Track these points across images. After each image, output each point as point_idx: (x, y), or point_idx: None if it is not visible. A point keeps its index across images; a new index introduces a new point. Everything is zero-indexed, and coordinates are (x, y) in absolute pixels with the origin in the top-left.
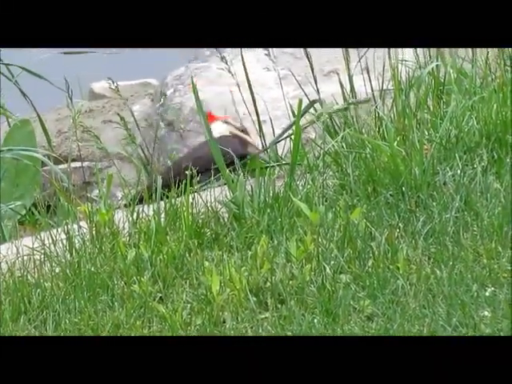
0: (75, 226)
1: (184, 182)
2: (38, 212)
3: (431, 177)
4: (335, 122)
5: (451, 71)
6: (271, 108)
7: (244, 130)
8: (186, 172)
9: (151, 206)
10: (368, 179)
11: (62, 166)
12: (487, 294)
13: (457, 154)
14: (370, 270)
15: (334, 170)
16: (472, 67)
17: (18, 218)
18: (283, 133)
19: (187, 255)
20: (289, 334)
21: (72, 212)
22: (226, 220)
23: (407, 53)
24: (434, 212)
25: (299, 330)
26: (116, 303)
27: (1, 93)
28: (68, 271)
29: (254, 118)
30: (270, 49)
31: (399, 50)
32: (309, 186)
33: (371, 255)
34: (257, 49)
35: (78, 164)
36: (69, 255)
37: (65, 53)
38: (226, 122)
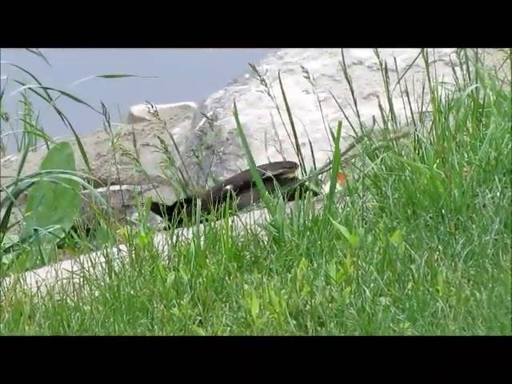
0: (114, 250)
1: (223, 205)
2: (78, 235)
3: (471, 199)
4: (375, 144)
5: (490, 93)
6: (310, 131)
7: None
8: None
9: (191, 229)
10: (407, 202)
11: (101, 190)
12: None
13: (496, 177)
14: (409, 292)
15: (374, 193)
16: None
17: (56, 242)
18: (326, 165)
19: (227, 278)
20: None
21: (111, 235)
22: (265, 243)
23: (446, 75)
24: (474, 234)
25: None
26: (156, 326)
27: (39, 116)
28: (107, 295)
29: (293, 140)
30: (310, 72)
31: (438, 72)
32: (348, 209)
33: (411, 278)
34: (296, 71)
35: (117, 187)
36: (108, 278)
37: (103, 76)
38: None
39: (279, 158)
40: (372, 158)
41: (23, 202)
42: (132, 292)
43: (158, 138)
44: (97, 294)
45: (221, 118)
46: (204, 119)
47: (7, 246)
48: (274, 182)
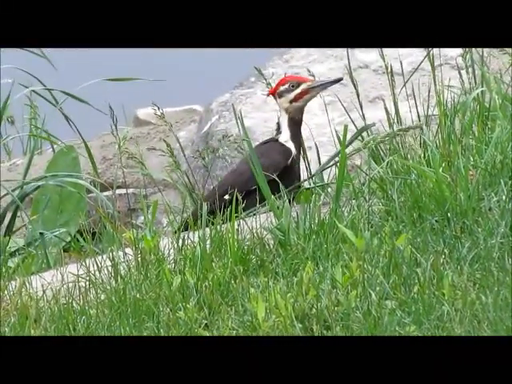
0: (120, 253)
1: (229, 208)
2: (83, 239)
3: (476, 203)
4: (380, 148)
5: (496, 97)
6: (316, 134)
7: (295, 85)
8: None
9: (196, 232)
10: (413, 205)
11: (107, 193)
12: None
13: (502, 180)
14: (415, 296)
15: (380, 197)
16: None
17: (62, 245)
18: (329, 161)
19: (233, 282)
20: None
21: (117, 239)
22: (271, 246)
23: (452, 79)
24: (480, 238)
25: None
26: (161, 330)
27: (45, 119)
28: (113, 298)
29: None
30: (316, 75)
31: (444, 75)
32: (354, 213)
33: (417, 281)
34: (302, 75)
35: (123, 191)
36: (114, 282)
37: (109, 79)
38: (280, 95)
39: None
40: (378, 162)
41: (28, 206)
42: (138, 295)
43: (164, 141)
44: (103, 297)
45: (227, 122)
46: (210, 123)
47: (13, 249)
48: (280, 186)
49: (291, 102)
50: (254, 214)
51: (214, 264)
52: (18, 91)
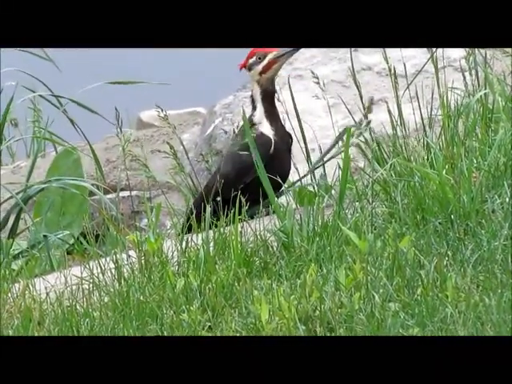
0: (124, 256)
1: (233, 210)
2: (87, 241)
3: (480, 205)
4: (384, 150)
5: (500, 99)
6: (320, 136)
7: (263, 56)
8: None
9: (200, 234)
10: (417, 207)
11: (110, 196)
12: None
13: (505, 182)
14: (418, 298)
15: (383, 199)
16: None
17: (66, 248)
18: (324, 155)
19: (236, 284)
20: None
21: (121, 241)
22: (274, 249)
23: (456, 81)
24: (483, 240)
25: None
26: (165, 332)
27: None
28: (117, 300)
29: (303, 145)
30: (320, 77)
31: (448, 77)
32: (357, 215)
33: (420, 283)
34: (306, 77)
35: (126, 193)
36: (117, 284)
37: (113, 82)
38: (249, 68)
39: None
40: (381, 164)
41: (31, 208)
42: (141, 298)
43: (168, 143)
44: (106, 299)
45: (230, 124)
46: (213, 125)
47: (16, 252)
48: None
49: (260, 73)
50: (256, 215)
51: (217, 266)
52: (21, 93)
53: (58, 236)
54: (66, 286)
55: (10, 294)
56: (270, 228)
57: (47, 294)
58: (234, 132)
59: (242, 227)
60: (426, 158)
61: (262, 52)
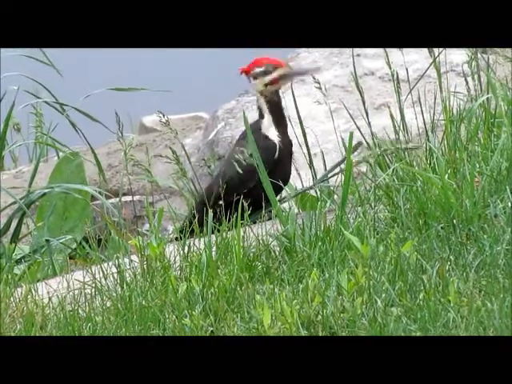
0: (126, 260)
1: (235, 215)
2: (89, 246)
3: (482, 209)
4: (386, 155)
5: (502, 104)
6: (322, 141)
7: (271, 69)
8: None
9: (202, 239)
10: (419, 212)
11: (112, 200)
12: None
13: (507, 187)
14: (421, 302)
15: (385, 203)
16: None
17: (68, 252)
18: (331, 169)
19: (238, 289)
20: None
21: (123, 246)
22: (277, 253)
23: (458, 86)
24: (485, 245)
25: None
26: None
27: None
28: (119, 305)
29: (305, 150)
30: (322, 82)
31: (450, 82)
32: (360, 219)
33: (422, 288)
34: (308, 82)
35: (128, 198)
36: (120, 289)
37: (114, 89)
38: (255, 77)
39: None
40: (383, 169)
41: (33, 213)
42: (144, 302)
43: (170, 148)
44: (108, 304)
45: (232, 129)
46: (216, 130)
47: (19, 256)
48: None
49: (266, 85)
50: (259, 219)
51: (219, 271)
52: (23, 97)
53: (61, 241)
54: (68, 291)
55: (12, 299)
56: (273, 233)
57: (49, 298)
58: (239, 137)
59: (244, 232)
60: (428, 162)
61: (271, 64)
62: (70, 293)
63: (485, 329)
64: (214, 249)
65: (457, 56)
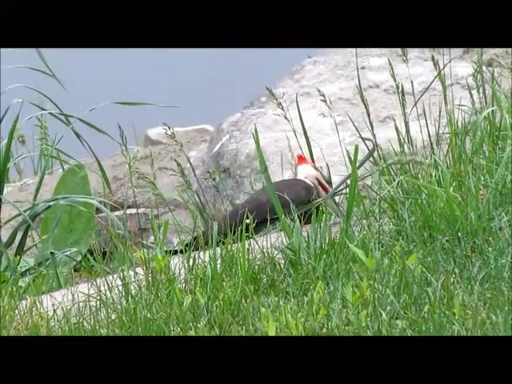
0: (131, 273)
1: (240, 228)
2: (94, 258)
3: (487, 222)
4: (391, 167)
5: (507, 116)
6: (327, 154)
7: (330, 182)
8: (244, 220)
9: (207, 252)
10: (424, 225)
11: (117, 213)
12: None
13: None
14: (425, 315)
15: (390, 216)
16: None
17: (73, 265)
18: (341, 183)
19: (243, 301)
20: None
21: (128, 258)
22: (282, 266)
23: (463, 99)
24: (490, 257)
25: None
26: None
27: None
28: (124, 318)
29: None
30: (327, 95)
31: (455, 95)
32: (365, 232)
33: (427, 301)
34: (313, 95)
35: (133, 210)
36: (125, 301)
37: (119, 103)
38: (316, 168)
39: None
40: (388, 182)
41: (38, 225)
42: (149, 315)
43: (175, 161)
44: (113, 317)
45: (237, 142)
46: (221, 143)
47: (24, 269)
48: (291, 205)
49: (318, 181)
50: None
51: (224, 283)
52: (27, 109)
53: (66, 253)
54: (73, 303)
55: (17, 311)
56: (278, 245)
57: (54, 311)
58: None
59: (249, 244)
60: (433, 175)
61: (329, 179)
62: (75, 305)
63: None
64: (219, 261)
65: (462, 69)
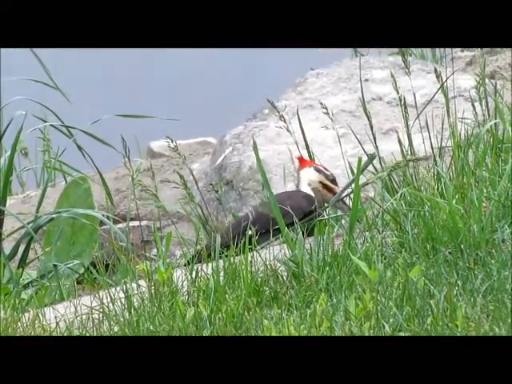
0: (134, 285)
1: (243, 240)
2: (97, 271)
3: (490, 234)
4: (394, 179)
5: (510, 129)
6: (330, 166)
7: (334, 180)
8: (247, 231)
9: (210, 264)
10: (427, 237)
11: (120, 225)
12: None
13: None
14: (428, 327)
15: (393, 228)
16: None
17: (76, 277)
18: (342, 191)
19: (246, 313)
20: None
21: (131, 271)
22: (284, 278)
23: (466, 111)
24: (493, 269)
25: None
26: None
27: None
28: (127, 330)
29: None
30: (329, 107)
31: (458, 107)
32: (368, 244)
33: (430, 313)
34: (315, 107)
35: (136, 223)
36: (127, 314)
37: (122, 115)
38: (318, 170)
39: None
40: (391, 194)
41: (41, 238)
42: (151, 327)
43: (178, 173)
44: (116, 329)
45: (240, 154)
46: (223, 155)
47: (26, 281)
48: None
49: (323, 185)
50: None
51: (227, 296)
52: (31, 121)
53: (68, 265)
54: (75, 316)
55: (19, 324)
56: (280, 257)
57: (57, 323)
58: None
59: (252, 257)
60: (436, 187)
61: (332, 176)
62: (78, 318)
63: None
64: (222, 274)
65: (464, 81)
